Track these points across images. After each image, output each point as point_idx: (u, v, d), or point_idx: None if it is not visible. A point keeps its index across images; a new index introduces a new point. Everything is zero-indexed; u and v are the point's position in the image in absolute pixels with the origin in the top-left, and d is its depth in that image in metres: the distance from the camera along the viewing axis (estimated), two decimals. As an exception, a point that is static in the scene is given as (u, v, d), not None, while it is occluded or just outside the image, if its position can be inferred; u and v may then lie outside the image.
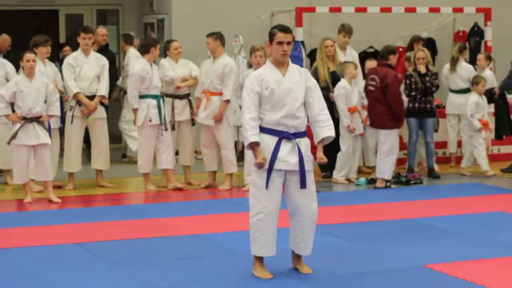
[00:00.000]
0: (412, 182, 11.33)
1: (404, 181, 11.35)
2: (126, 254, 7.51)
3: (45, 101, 10.14)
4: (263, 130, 6.64)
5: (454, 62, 12.60)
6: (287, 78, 6.64)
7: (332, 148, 10.73)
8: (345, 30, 12.20)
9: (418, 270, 6.88)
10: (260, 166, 6.55)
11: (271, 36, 6.65)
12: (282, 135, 6.59)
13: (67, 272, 6.90)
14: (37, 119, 10.02)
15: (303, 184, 6.61)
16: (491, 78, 12.75)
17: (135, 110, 10.81)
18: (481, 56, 12.96)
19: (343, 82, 11.41)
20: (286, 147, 6.60)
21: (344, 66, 11.50)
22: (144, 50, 10.95)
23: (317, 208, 6.74)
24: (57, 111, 10.30)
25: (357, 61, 12.18)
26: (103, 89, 10.97)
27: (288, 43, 6.61)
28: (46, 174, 10.20)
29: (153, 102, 10.71)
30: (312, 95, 6.70)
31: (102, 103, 11.07)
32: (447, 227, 8.52)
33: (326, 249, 7.48)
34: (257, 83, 6.62)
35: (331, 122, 6.76)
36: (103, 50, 12.38)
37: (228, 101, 10.80)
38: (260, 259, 6.73)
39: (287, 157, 6.58)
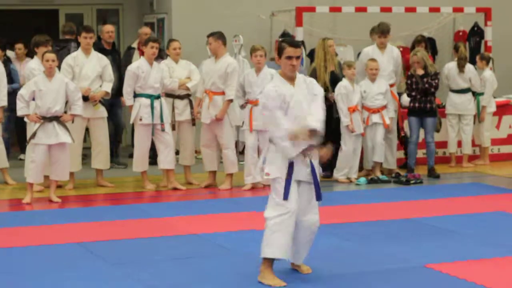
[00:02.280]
0: (412, 182, 11.33)
1: (404, 181, 11.35)
2: (126, 254, 7.51)
3: (67, 101, 10.14)
4: None
5: (464, 62, 12.53)
6: (297, 91, 6.60)
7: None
8: (379, 30, 11.92)
9: (418, 270, 6.88)
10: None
11: (280, 50, 6.60)
12: None
13: (67, 272, 6.89)
14: (56, 119, 10.02)
15: (318, 197, 6.59)
16: (491, 79, 12.75)
17: (130, 107, 10.83)
18: (477, 58, 12.97)
19: (344, 82, 11.42)
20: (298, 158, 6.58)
21: (346, 66, 11.50)
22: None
23: (319, 221, 6.72)
24: (79, 110, 10.24)
25: (398, 58, 12.09)
26: (108, 86, 11.00)
27: (297, 57, 6.56)
28: (62, 174, 10.20)
29: (146, 101, 10.67)
30: (315, 101, 6.65)
31: (102, 103, 11.07)
32: (447, 227, 8.52)
33: (326, 249, 7.47)
34: (277, 98, 6.48)
35: (321, 118, 6.57)
36: (110, 50, 12.37)
37: (231, 101, 10.78)
38: (270, 265, 6.57)
39: (300, 168, 6.56)
